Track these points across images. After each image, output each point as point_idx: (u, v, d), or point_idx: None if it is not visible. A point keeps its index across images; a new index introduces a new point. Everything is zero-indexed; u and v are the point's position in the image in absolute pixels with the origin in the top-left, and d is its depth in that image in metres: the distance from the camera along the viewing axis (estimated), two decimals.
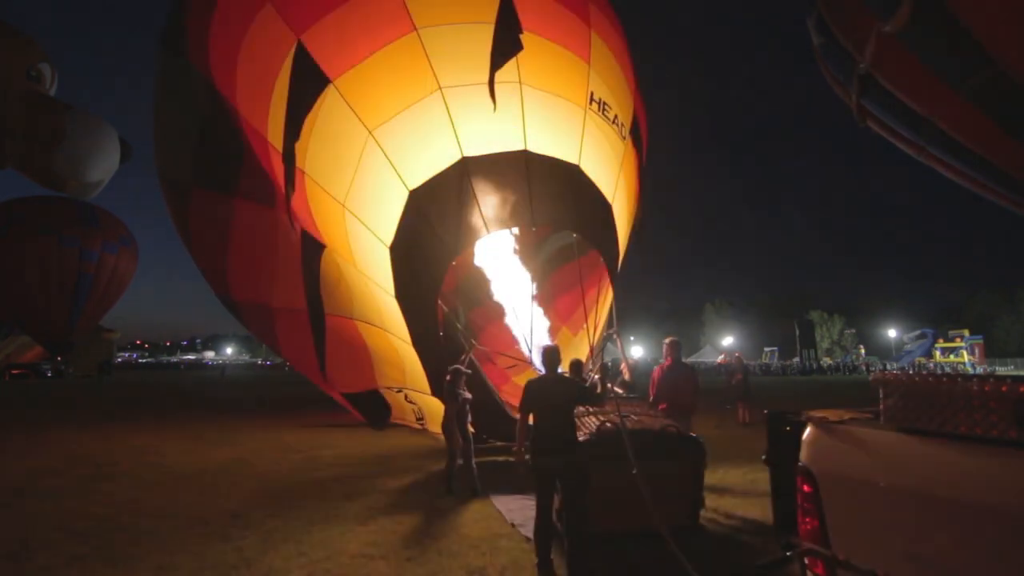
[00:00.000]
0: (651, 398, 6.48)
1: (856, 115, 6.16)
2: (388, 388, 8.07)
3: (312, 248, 7.44)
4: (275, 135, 6.86)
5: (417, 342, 6.99)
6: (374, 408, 8.54)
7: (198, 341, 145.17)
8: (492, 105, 6.48)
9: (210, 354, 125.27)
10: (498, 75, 6.49)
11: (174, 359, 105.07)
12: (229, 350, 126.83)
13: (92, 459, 8.56)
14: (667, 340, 6.81)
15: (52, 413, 15.77)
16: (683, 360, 7.25)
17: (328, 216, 7.04)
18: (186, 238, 8.57)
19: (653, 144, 9.26)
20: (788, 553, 2.62)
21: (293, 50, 6.49)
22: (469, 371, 6.84)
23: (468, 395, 6.58)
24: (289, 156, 6.63)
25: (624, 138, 7.86)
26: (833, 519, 2.43)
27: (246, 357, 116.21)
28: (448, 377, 6.50)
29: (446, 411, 6.53)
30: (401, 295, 6.86)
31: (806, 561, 2.52)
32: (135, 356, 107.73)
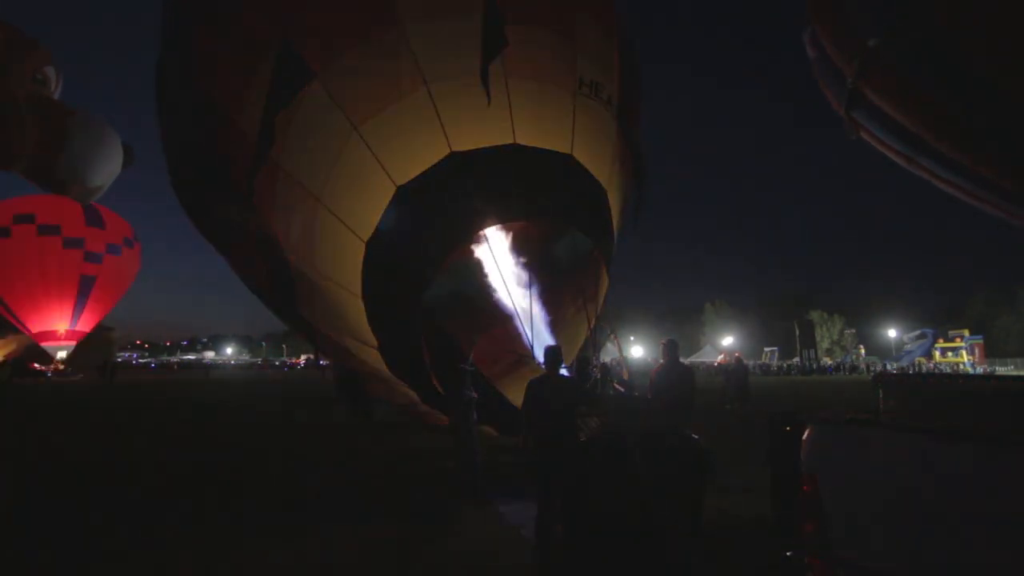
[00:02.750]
0: (648, 398, 6.48)
1: (846, 128, 6.22)
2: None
3: (268, 246, 7.35)
4: (249, 124, 6.71)
5: (389, 342, 6.93)
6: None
7: (204, 340, 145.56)
8: (480, 99, 6.33)
9: (210, 354, 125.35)
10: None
11: (174, 359, 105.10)
12: (229, 350, 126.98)
13: None
14: (663, 341, 6.83)
15: None
16: (681, 360, 7.26)
17: (295, 209, 6.88)
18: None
19: (653, 145, 9.13)
20: (788, 554, 2.62)
21: (278, 43, 6.38)
22: (473, 368, 6.73)
23: (474, 394, 6.44)
24: (263, 146, 6.49)
25: (614, 116, 7.70)
26: (833, 519, 2.42)
27: (246, 357, 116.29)
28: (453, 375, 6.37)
29: (453, 411, 6.43)
30: (372, 293, 6.75)
31: (806, 561, 2.51)
32: (135, 356, 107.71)
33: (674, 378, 6.48)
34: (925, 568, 2.12)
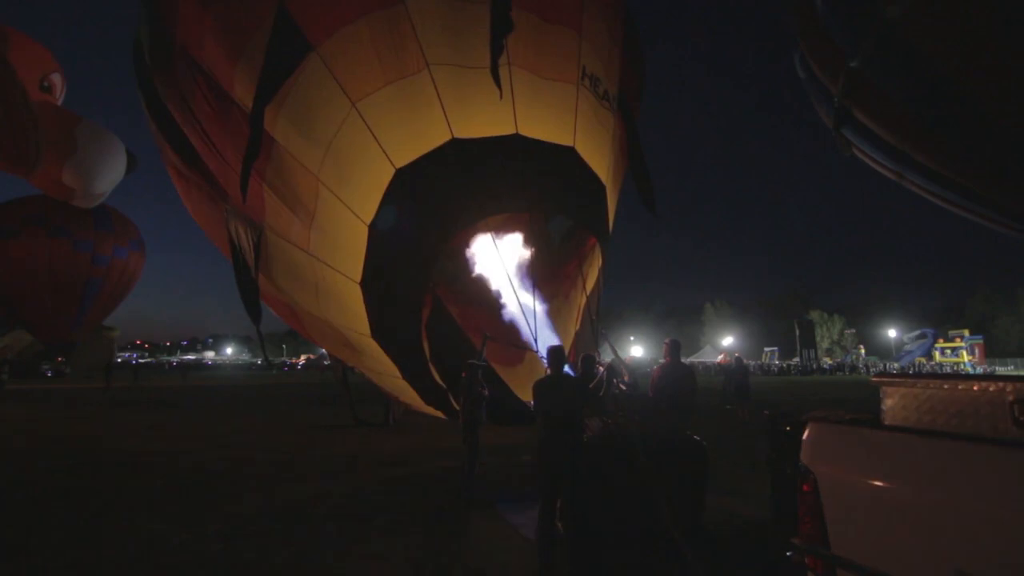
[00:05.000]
0: (650, 397, 6.50)
1: (839, 145, 6.26)
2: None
3: (240, 223, 7.26)
4: (244, 95, 6.55)
5: (385, 331, 6.83)
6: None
7: (209, 340, 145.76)
8: (483, 85, 6.10)
9: (210, 354, 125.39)
10: (488, 57, 6.12)
11: (173, 359, 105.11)
12: (229, 350, 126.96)
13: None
14: (666, 340, 6.85)
15: None
16: (682, 360, 7.28)
17: (297, 186, 6.72)
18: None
19: (654, 146, 9.09)
20: (788, 553, 2.64)
21: (274, 12, 6.22)
22: (485, 363, 6.61)
23: (486, 391, 6.27)
24: (258, 119, 6.32)
25: (612, 111, 7.63)
26: (833, 519, 2.45)
27: (246, 356, 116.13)
28: (464, 373, 6.26)
29: (463, 409, 6.29)
30: (371, 280, 6.60)
31: (806, 561, 2.54)
32: (135, 356, 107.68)
33: (676, 378, 6.52)
34: (924, 568, 2.15)
